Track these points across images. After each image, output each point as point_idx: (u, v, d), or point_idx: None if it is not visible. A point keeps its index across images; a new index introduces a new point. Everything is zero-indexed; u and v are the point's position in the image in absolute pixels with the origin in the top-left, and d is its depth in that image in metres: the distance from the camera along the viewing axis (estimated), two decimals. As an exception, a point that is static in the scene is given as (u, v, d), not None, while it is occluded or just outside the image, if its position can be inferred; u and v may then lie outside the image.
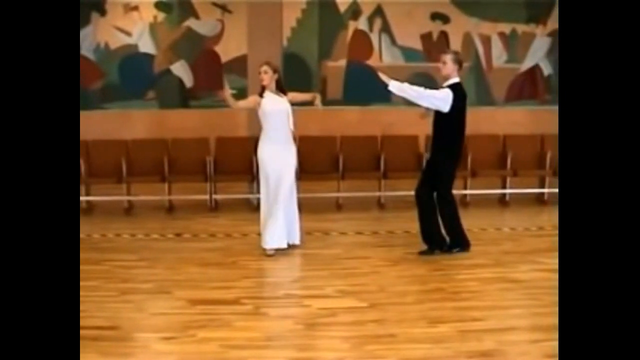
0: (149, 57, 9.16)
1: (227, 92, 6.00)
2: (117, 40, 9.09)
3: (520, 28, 9.64)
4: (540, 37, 9.68)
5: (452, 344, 3.90)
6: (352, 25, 9.42)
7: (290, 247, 6.16)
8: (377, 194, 8.65)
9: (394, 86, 5.87)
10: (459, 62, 5.97)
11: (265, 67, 6.11)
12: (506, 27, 9.62)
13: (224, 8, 9.19)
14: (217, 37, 9.22)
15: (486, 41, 9.61)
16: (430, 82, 7.43)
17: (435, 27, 9.50)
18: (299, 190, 6.49)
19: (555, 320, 2.82)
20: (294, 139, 6.25)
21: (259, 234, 6.20)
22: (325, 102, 7.48)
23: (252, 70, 8.09)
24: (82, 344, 3.20)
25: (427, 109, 6.00)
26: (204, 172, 8.34)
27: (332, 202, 8.54)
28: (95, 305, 4.57)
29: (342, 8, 9.38)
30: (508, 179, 8.73)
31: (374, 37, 9.46)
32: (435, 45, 9.33)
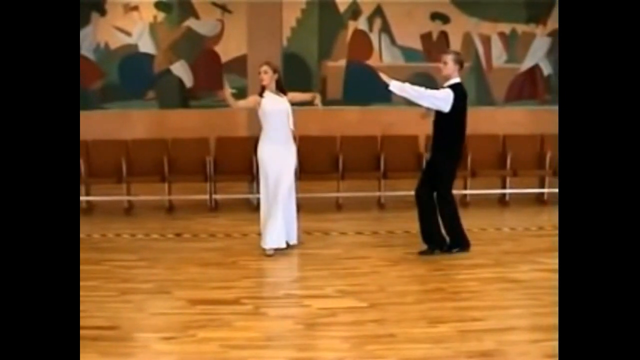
0: (149, 57, 9.17)
1: (227, 91, 6.00)
2: (117, 40, 9.10)
3: (520, 28, 9.64)
4: (540, 37, 9.68)
5: (452, 344, 3.90)
6: (352, 25, 9.42)
7: (289, 246, 6.16)
8: (377, 194, 8.65)
9: (395, 86, 5.87)
10: (459, 63, 5.97)
11: (265, 67, 6.11)
12: (506, 27, 9.62)
13: (224, 8, 9.20)
14: (217, 37, 9.22)
15: (486, 41, 9.61)
16: (430, 82, 7.43)
17: (435, 27, 9.50)
18: (299, 190, 6.50)
19: (555, 320, 2.82)
20: (294, 138, 6.26)
21: (259, 234, 6.20)
22: (325, 102, 7.47)
23: (252, 70, 8.09)
24: (82, 344, 3.21)
25: (428, 109, 6.01)
26: (204, 172, 8.34)
27: (332, 202, 8.54)
28: (95, 305, 4.57)
29: (342, 8, 9.38)
30: (508, 179, 8.73)
31: (374, 37, 9.46)
32: (435, 45, 9.34)
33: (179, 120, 9.11)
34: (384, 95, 7.44)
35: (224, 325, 4.26)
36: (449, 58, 5.94)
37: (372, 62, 9.38)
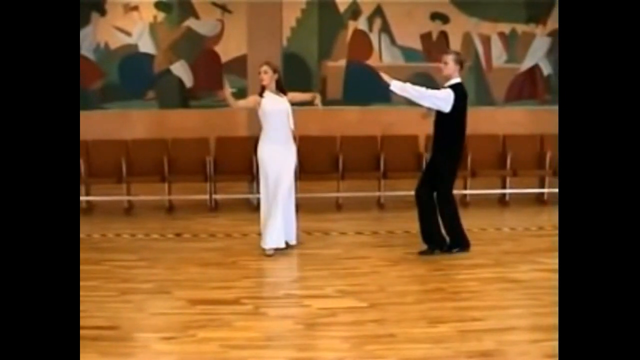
0: (149, 57, 9.17)
1: (228, 91, 6.00)
2: (117, 40, 9.10)
3: (520, 28, 9.64)
4: (540, 37, 9.68)
5: (452, 344, 3.90)
6: (351, 25, 9.42)
7: (288, 246, 6.16)
8: (377, 194, 8.65)
9: (396, 86, 5.87)
10: (460, 63, 5.98)
11: (265, 67, 6.11)
12: (506, 27, 9.62)
13: (224, 8, 9.20)
14: (217, 37, 9.22)
15: (486, 41, 9.61)
16: (430, 82, 7.43)
17: (435, 27, 9.50)
18: (299, 190, 6.50)
19: (555, 320, 2.82)
20: (294, 138, 6.26)
21: (259, 234, 6.20)
22: (325, 102, 7.46)
23: (252, 70, 8.09)
24: (82, 344, 3.21)
25: (429, 109, 6.01)
26: (204, 172, 8.35)
27: (331, 202, 8.54)
28: (95, 305, 4.57)
29: (342, 8, 9.38)
30: (508, 179, 8.73)
31: (374, 37, 9.46)
32: (435, 45, 9.34)
33: (179, 120, 9.11)
34: (384, 95, 7.45)
35: (224, 325, 4.26)
36: (450, 58, 5.94)
37: (372, 62, 9.37)
